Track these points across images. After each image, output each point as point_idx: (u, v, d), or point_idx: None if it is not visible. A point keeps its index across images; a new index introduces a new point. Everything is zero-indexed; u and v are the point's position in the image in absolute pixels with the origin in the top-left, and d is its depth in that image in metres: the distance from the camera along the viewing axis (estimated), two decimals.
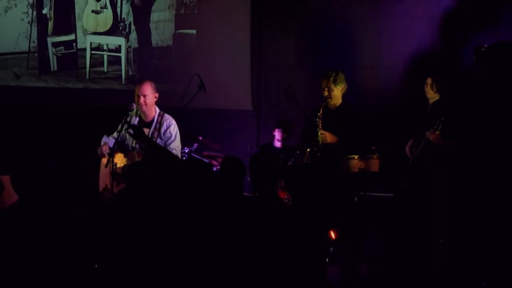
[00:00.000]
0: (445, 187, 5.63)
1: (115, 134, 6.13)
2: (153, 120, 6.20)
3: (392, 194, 6.30)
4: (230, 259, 3.94)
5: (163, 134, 6.17)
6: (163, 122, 6.19)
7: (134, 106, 6.07)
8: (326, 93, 6.31)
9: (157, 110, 6.25)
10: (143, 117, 6.21)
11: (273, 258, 3.96)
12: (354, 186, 6.13)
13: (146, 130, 6.16)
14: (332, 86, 6.27)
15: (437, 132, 5.67)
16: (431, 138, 5.76)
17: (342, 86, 6.32)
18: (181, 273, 3.95)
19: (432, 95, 6.05)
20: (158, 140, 6.12)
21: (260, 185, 4.30)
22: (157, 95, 6.22)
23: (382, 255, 6.01)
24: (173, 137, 6.19)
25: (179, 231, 4.08)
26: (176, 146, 6.19)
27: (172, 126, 6.21)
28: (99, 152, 6.06)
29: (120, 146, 6.07)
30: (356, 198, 6.11)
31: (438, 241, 5.61)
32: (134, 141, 6.12)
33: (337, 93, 6.31)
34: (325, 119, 6.29)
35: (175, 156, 6.07)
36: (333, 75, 6.27)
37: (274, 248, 3.97)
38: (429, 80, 6.04)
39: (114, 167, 5.70)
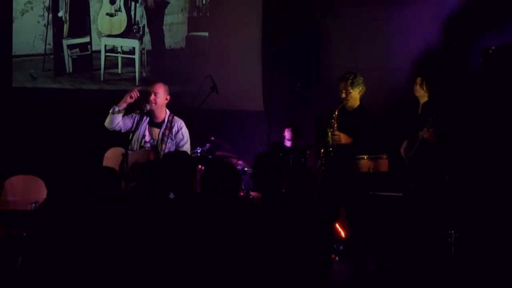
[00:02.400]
0: (446, 185, 5.66)
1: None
2: (163, 120, 6.33)
3: (400, 194, 6.33)
4: (232, 260, 3.96)
5: (175, 135, 6.31)
6: (174, 124, 6.33)
7: (148, 107, 6.21)
8: (343, 95, 6.29)
9: (167, 111, 6.38)
10: (153, 118, 6.33)
11: (277, 257, 3.99)
12: (363, 186, 6.17)
13: (156, 130, 6.32)
14: (350, 88, 6.26)
15: (431, 130, 5.74)
16: (425, 137, 5.81)
17: (360, 88, 6.31)
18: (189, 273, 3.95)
19: (422, 94, 6.06)
20: (169, 141, 6.26)
21: (265, 184, 4.34)
22: (168, 97, 6.33)
23: (390, 254, 6.06)
24: (185, 139, 6.34)
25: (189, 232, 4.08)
26: (187, 148, 6.33)
27: (183, 129, 6.36)
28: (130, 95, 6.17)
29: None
30: (365, 198, 6.16)
31: (444, 240, 5.64)
32: (143, 140, 6.25)
33: (355, 95, 6.30)
34: (341, 120, 6.30)
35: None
36: (350, 77, 6.27)
37: (278, 248, 4.00)
38: (418, 80, 6.08)
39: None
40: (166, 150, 6.22)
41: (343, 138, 6.21)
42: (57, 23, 8.13)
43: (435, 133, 5.75)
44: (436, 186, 5.70)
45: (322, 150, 6.34)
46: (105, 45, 8.21)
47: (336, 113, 6.28)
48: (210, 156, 6.64)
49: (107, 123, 6.28)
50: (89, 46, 8.20)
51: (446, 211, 5.62)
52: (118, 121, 6.24)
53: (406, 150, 6.14)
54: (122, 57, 8.22)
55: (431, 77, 6.04)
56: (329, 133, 6.28)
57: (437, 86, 6.00)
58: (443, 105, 5.88)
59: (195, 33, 8.27)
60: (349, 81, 6.25)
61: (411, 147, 6.03)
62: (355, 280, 5.64)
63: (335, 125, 6.24)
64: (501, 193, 5.92)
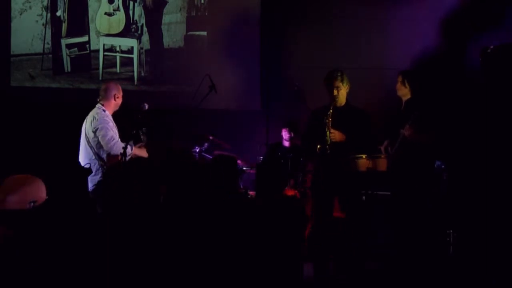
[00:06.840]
0: (444, 185, 5.68)
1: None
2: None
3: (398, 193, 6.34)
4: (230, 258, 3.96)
5: None
6: None
7: (146, 106, 6.19)
8: (335, 93, 6.31)
9: None
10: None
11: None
12: (361, 185, 6.18)
13: None
14: (341, 85, 6.28)
15: (412, 127, 5.78)
16: (406, 134, 5.86)
17: (348, 85, 6.37)
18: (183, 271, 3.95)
19: (404, 92, 6.13)
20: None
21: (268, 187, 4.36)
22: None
23: (389, 252, 6.07)
24: None
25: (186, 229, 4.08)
26: None
27: None
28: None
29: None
30: (363, 197, 6.17)
31: (443, 239, 5.65)
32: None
33: (344, 92, 6.33)
34: (333, 118, 6.33)
35: None
36: (339, 74, 6.29)
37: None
38: (400, 77, 6.16)
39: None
40: None
41: (338, 136, 6.21)
42: (55, 23, 8.13)
43: (416, 131, 5.78)
44: (432, 186, 5.73)
45: (318, 147, 6.33)
46: (104, 45, 8.22)
47: (331, 111, 6.27)
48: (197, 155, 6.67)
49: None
50: (87, 46, 8.21)
51: (444, 210, 5.64)
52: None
53: (386, 148, 6.17)
54: (120, 57, 8.23)
55: (412, 74, 6.09)
56: (327, 132, 6.27)
57: (419, 83, 6.05)
58: (427, 103, 5.92)
59: (193, 33, 8.29)
60: (339, 78, 6.26)
61: (393, 145, 6.06)
62: (354, 280, 5.65)
63: (330, 123, 6.24)
64: (501, 192, 5.93)
